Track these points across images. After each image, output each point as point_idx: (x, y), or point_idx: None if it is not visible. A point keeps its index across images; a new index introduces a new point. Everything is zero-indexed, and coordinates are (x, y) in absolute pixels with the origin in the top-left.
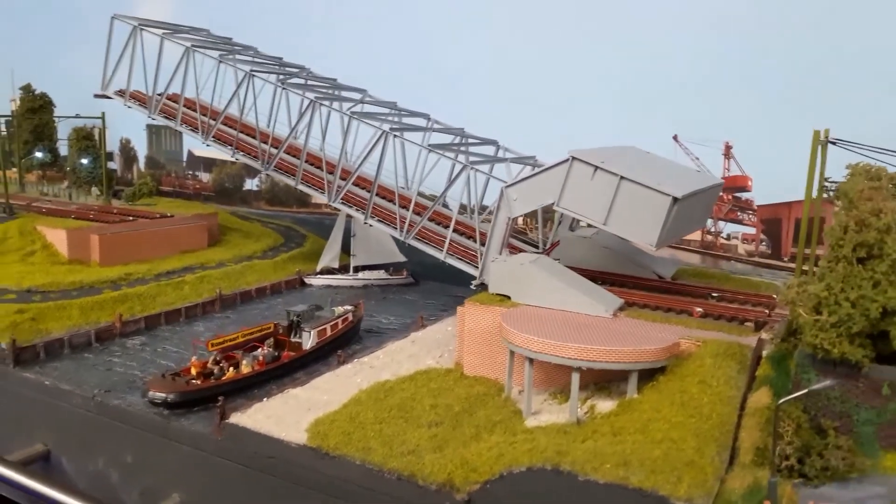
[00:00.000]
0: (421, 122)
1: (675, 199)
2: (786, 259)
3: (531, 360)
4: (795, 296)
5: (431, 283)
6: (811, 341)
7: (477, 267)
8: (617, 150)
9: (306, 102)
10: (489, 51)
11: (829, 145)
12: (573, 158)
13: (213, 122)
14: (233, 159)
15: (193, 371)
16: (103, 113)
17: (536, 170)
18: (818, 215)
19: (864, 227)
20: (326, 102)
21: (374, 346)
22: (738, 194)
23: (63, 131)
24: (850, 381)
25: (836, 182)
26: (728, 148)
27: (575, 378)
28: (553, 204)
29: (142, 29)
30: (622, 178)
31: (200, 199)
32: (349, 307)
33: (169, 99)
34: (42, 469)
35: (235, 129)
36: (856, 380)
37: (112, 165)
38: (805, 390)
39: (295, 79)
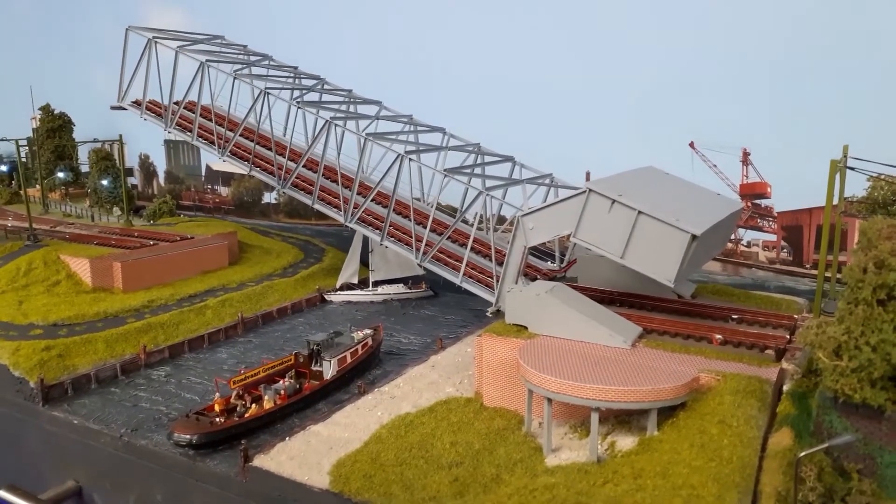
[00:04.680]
0: (437, 136)
1: (694, 237)
2: (808, 266)
3: (550, 399)
4: (815, 338)
5: (450, 294)
6: (831, 386)
7: (493, 292)
8: (635, 175)
9: (321, 122)
10: (502, 59)
11: (850, 162)
12: (590, 191)
13: (230, 135)
14: (249, 174)
15: (217, 408)
16: (121, 135)
17: (553, 200)
18: (839, 228)
19: (884, 267)
20: (341, 123)
21: (394, 370)
22: (757, 201)
23: (83, 151)
24: (873, 423)
25: (855, 198)
26: (746, 154)
27: (594, 417)
28: (570, 235)
29: (156, 41)
30: (640, 212)
31: (220, 213)
32: (368, 331)
33: (185, 108)
34: None
35: (252, 141)
36: (879, 422)
37: (132, 181)
38: (825, 444)
39: (310, 94)
